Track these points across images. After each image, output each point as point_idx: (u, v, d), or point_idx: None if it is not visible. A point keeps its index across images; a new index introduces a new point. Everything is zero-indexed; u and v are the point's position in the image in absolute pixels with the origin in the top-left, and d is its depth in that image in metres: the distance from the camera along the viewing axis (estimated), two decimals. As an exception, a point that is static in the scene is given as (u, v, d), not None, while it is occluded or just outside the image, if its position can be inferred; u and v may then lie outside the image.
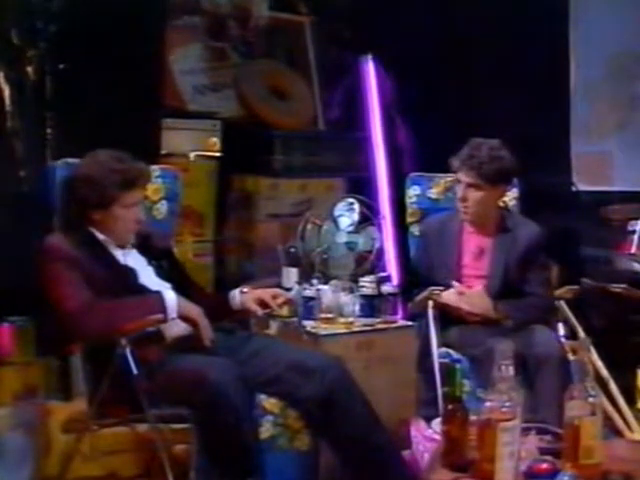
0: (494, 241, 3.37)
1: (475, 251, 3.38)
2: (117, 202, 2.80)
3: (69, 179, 2.89)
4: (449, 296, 3.28)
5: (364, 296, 3.54)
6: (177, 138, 4.17)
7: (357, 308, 3.49)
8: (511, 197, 3.65)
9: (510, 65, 4.35)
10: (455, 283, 3.29)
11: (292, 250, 3.70)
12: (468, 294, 3.27)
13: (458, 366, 2.27)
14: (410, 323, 3.49)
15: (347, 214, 3.68)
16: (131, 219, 2.85)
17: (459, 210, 3.37)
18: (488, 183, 3.27)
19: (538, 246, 3.36)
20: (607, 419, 2.91)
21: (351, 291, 3.49)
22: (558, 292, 3.47)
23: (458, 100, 4.38)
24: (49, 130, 3.67)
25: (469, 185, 3.29)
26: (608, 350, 3.23)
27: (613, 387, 3.26)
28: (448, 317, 3.30)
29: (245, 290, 3.00)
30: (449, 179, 3.62)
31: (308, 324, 3.39)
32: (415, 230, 3.66)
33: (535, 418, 2.44)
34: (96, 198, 2.79)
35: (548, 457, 2.22)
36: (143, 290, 2.80)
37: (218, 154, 4.27)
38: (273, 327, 3.35)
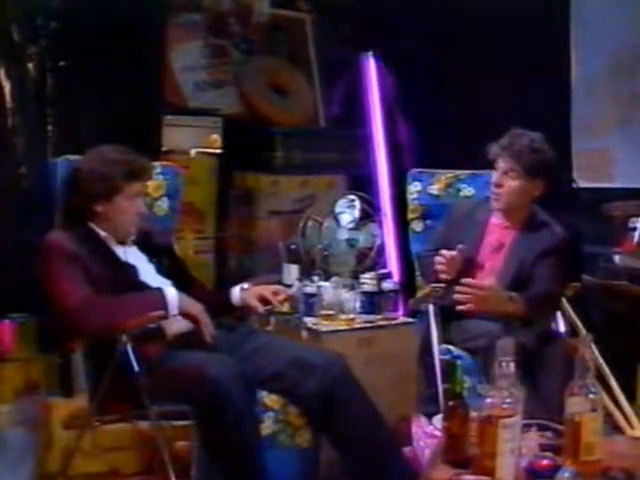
0: (517, 236, 3.29)
1: (495, 245, 3.30)
2: (121, 193, 2.82)
3: (73, 172, 2.90)
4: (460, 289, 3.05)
5: (365, 293, 3.54)
6: (178, 135, 4.16)
7: (358, 305, 3.50)
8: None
9: (511, 61, 4.34)
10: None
11: (293, 247, 3.70)
12: (479, 286, 3.04)
13: (459, 363, 2.28)
14: (411, 320, 3.50)
15: (348, 211, 3.68)
16: (133, 211, 2.87)
17: (491, 197, 3.29)
18: (526, 173, 3.20)
19: (557, 251, 3.25)
20: (608, 415, 2.92)
21: (352, 288, 3.49)
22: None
23: (459, 97, 4.38)
24: (50, 127, 3.67)
25: (506, 172, 3.22)
26: (609, 347, 3.23)
27: (614, 384, 3.27)
28: (449, 312, 3.29)
29: (246, 287, 3.01)
30: (450, 175, 3.62)
31: (309, 321, 3.40)
32: (416, 227, 3.65)
33: (539, 414, 2.44)
34: (101, 189, 2.81)
35: (549, 453, 2.22)
36: (144, 287, 2.80)
37: (219, 151, 4.27)
38: (274, 324, 3.35)
